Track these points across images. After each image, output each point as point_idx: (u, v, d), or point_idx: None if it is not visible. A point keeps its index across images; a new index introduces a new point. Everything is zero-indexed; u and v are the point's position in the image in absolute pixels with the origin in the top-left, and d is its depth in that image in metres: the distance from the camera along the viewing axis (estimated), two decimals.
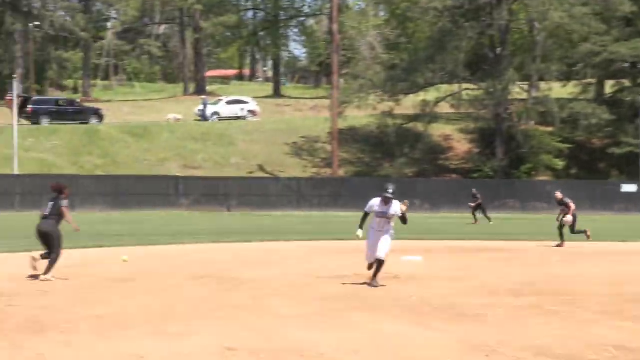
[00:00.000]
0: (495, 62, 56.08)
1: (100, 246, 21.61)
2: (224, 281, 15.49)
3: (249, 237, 26.71)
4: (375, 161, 58.84)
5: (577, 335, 10.64)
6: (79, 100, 64.58)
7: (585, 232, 25.30)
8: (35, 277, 15.24)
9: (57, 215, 15.45)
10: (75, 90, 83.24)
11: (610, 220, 43.14)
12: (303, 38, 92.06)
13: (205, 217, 40.98)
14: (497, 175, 54.85)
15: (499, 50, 56.63)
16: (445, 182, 53.46)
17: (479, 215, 37.98)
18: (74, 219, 15.88)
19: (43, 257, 15.40)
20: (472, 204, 38.04)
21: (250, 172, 54.05)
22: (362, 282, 15.10)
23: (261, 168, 55.54)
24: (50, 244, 15.38)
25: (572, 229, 25.31)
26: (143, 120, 62.78)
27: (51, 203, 15.59)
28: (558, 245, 24.96)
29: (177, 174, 50.41)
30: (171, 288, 14.47)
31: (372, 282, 14.85)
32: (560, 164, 56.39)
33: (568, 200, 25.66)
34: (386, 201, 14.63)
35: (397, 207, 14.73)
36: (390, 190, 14.62)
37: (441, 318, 11.78)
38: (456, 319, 11.76)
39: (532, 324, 11.44)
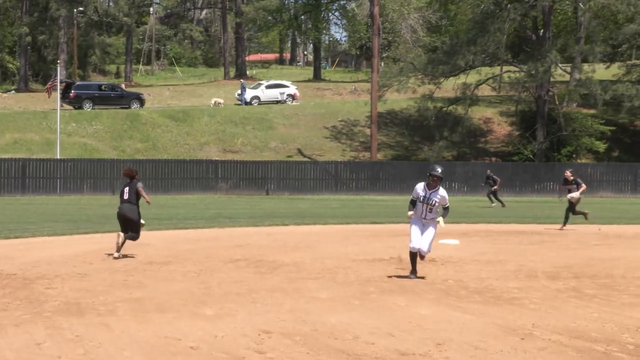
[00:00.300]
0: (537, 44, 55.37)
1: None
2: (261, 264, 15.57)
3: (287, 220, 26.78)
4: (414, 144, 58.61)
5: (614, 318, 10.55)
6: (122, 85, 65.10)
7: (585, 213, 25.27)
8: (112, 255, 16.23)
9: (137, 198, 16.42)
10: (117, 75, 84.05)
11: None
12: (344, 21, 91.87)
13: (244, 201, 41.16)
14: (537, 158, 54.35)
15: (541, 31, 55.93)
16: (484, 165, 53.04)
17: (486, 195, 38.11)
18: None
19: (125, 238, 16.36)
20: (495, 187, 37.63)
21: (289, 156, 54.18)
22: (399, 267, 15.01)
23: (300, 152, 55.63)
24: (132, 228, 16.38)
25: (573, 210, 25.13)
26: (184, 105, 63.18)
27: (127, 188, 16.50)
28: (560, 229, 24.85)
29: (217, 158, 50.69)
30: (208, 271, 14.57)
31: (411, 275, 13.80)
32: (602, 146, 55.70)
33: (580, 181, 25.74)
34: (431, 185, 13.46)
35: (443, 194, 13.46)
36: (439, 170, 13.36)
37: (477, 301, 11.75)
38: (492, 302, 11.71)
39: (569, 307, 11.37)
